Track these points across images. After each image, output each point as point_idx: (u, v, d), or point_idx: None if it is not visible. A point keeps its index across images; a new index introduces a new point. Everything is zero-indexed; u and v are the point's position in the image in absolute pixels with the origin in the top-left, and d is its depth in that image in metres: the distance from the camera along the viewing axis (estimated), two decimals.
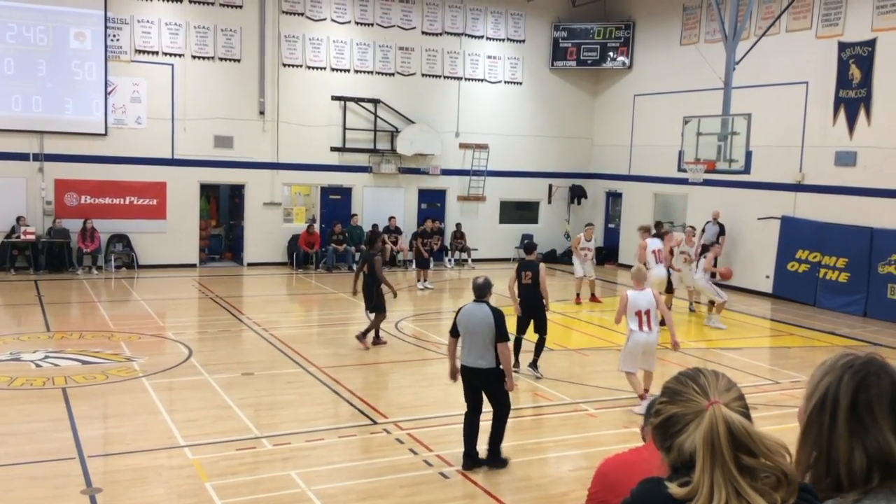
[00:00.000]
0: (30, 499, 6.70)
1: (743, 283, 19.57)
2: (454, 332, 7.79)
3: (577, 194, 24.80)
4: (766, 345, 15.00)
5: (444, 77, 23.00)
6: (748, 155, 17.38)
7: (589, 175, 24.97)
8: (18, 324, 13.79)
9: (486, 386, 7.60)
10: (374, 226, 20.15)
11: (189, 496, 6.86)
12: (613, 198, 24.64)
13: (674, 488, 1.80)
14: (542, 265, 11.19)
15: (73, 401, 9.30)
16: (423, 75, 22.72)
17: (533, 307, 11.01)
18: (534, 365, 11.04)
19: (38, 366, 10.77)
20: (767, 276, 19.23)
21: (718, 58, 18.64)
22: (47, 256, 18.90)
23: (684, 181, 20.07)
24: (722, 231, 19.35)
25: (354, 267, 21.07)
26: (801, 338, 14.81)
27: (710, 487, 1.76)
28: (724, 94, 17.83)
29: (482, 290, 7.93)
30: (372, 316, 12.58)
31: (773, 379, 11.65)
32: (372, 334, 12.60)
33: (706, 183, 19.44)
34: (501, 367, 7.54)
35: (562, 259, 24.23)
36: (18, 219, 18.64)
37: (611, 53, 23.76)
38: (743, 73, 17.93)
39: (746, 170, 17.58)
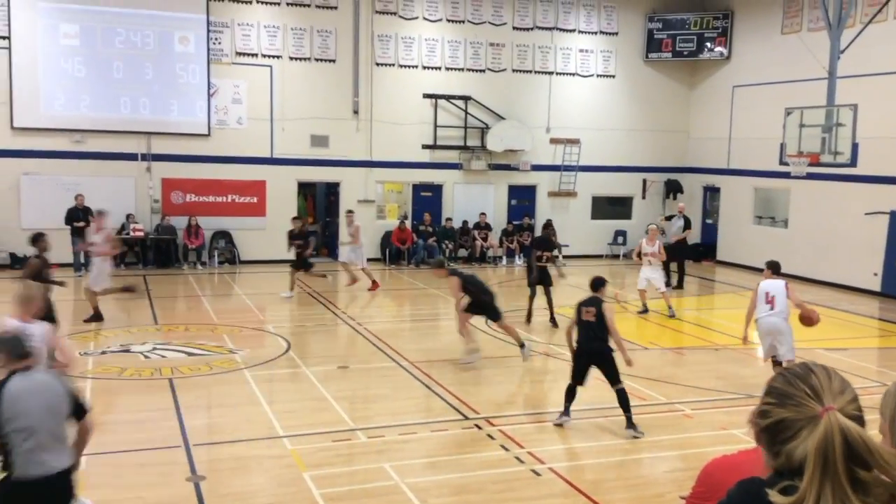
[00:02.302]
0: (138, 485, 7.04)
1: (849, 282, 18.76)
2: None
3: (672, 189, 24.26)
4: (874, 345, 14.34)
5: (535, 72, 22.89)
6: (854, 147, 16.64)
7: (685, 169, 24.39)
8: (128, 317, 14.50)
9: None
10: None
11: (288, 485, 7.08)
12: (711, 192, 23.99)
13: (775, 496, 1.72)
14: (609, 306, 8.88)
15: (178, 391, 9.73)
16: (513, 71, 22.67)
17: (595, 351, 8.69)
18: (630, 425, 8.58)
19: (146, 357, 11.32)
20: (875, 274, 18.36)
21: (822, 46, 17.89)
22: (155, 252, 19.80)
23: (786, 175, 19.37)
24: (687, 225, 18.65)
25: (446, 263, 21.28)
26: None
27: (816, 500, 1.66)
28: (829, 84, 17.11)
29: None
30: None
31: (881, 381, 11.13)
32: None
33: (809, 177, 18.71)
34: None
35: None
36: (128, 216, 19.58)
37: (708, 44, 23.12)
38: (848, 62, 17.16)
39: (853, 163, 16.84)
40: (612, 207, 24.22)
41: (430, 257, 21.47)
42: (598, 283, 9.17)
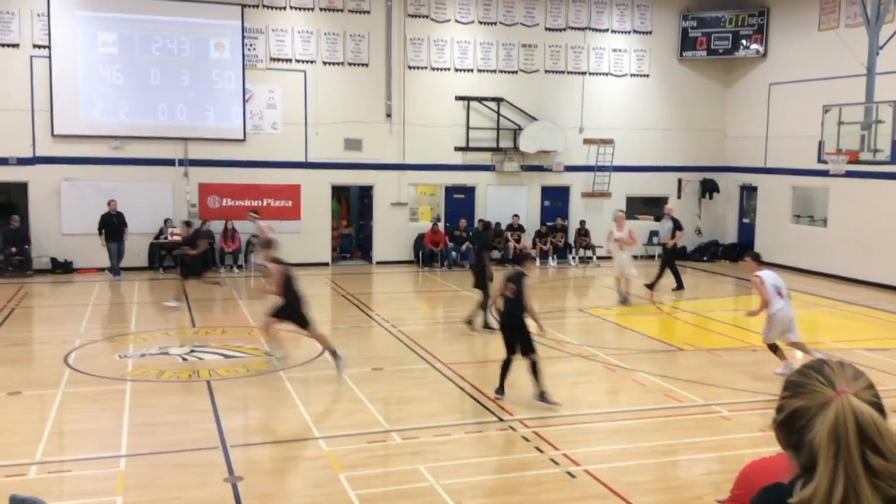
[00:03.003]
0: (176, 486, 7.14)
1: (889, 281, 18.40)
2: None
3: (708, 188, 24.00)
4: None
5: (568, 73, 22.80)
6: (894, 144, 16.34)
7: (721, 168, 24.12)
8: (166, 320, 14.72)
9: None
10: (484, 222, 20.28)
11: (323, 486, 7.13)
12: (748, 192, 23.68)
13: (794, 498, 1.69)
14: (529, 282, 9.47)
15: (216, 393, 9.85)
16: (546, 72, 22.60)
17: (511, 323, 9.47)
18: (541, 397, 9.38)
19: (184, 359, 11.48)
20: None
21: (860, 43, 17.59)
22: (192, 256, 20.02)
23: (825, 173, 19.09)
24: (677, 227, 18.08)
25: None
26: None
27: (829, 483, 1.63)
28: (867, 80, 16.83)
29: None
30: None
31: None
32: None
33: (849, 175, 18.41)
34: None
35: (692, 256, 23.54)
36: (166, 221, 19.88)
37: (743, 42, 22.84)
38: (887, 58, 16.85)
39: (893, 160, 16.53)
40: (647, 208, 24.02)
41: (463, 259, 21.51)
42: (521, 258, 9.90)
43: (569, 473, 7.44)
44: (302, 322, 10.90)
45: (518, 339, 9.45)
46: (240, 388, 10.28)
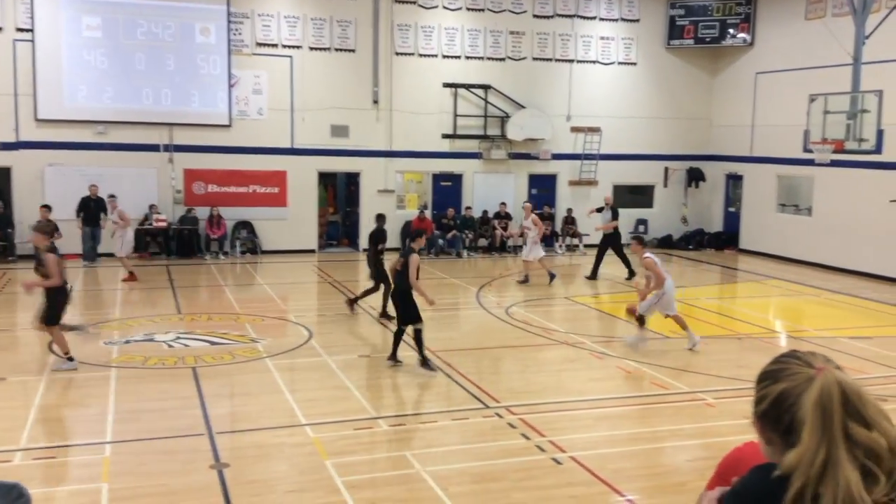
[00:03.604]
0: (162, 472, 7.12)
1: (873, 270, 18.55)
2: None
3: (694, 177, 24.08)
4: None
5: (556, 60, 22.77)
6: (879, 134, 16.44)
7: (707, 157, 24.20)
8: (152, 306, 14.65)
9: None
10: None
11: (310, 473, 7.13)
12: (734, 180, 23.78)
13: (781, 466, 1.74)
14: (414, 256, 10.47)
15: (202, 380, 9.82)
16: (533, 59, 22.56)
17: (396, 295, 10.62)
18: (423, 364, 10.32)
19: (170, 346, 11.43)
20: None
21: (846, 32, 17.65)
22: (178, 243, 19.96)
23: (810, 162, 19.20)
24: (614, 216, 18.41)
25: (465, 253, 21.30)
26: None
27: (814, 449, 1.68)
28: (853, 70, 16.90)
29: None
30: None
31: None
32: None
33: (834, 164, 18.51)
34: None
35: (678, 244, 23.64)
36: (151, 207, 19.75)
37: (730, 30, 22.88)
38: (873, 48, 16.93)
39: (878, 149, 16.63)
40: (633, 196, 24.09)
41: (450, 247, 21.50)
42: (412, 235, 11.06)
43: (555, 460, 7.48)
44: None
45: (399, 309, 10.44)
46: (225, 374, 10.25)
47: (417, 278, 10.38)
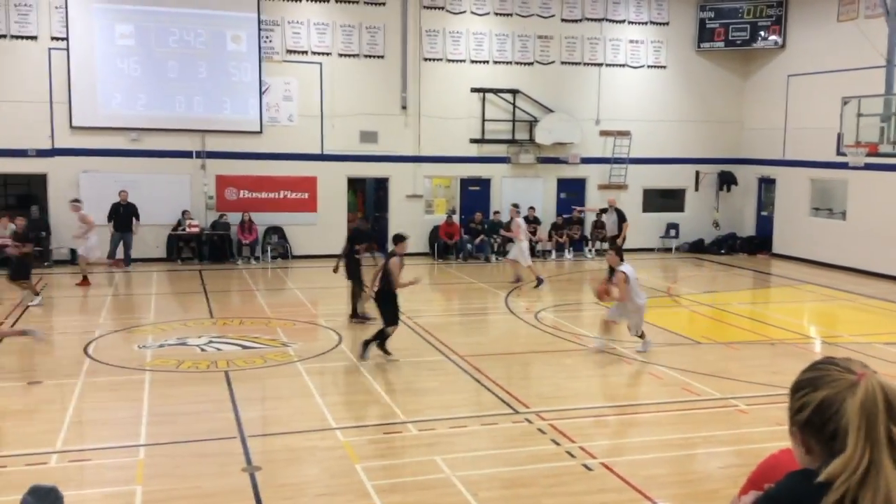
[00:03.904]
0: (195, 475, 7.20)
1: None
2: None
3: (726, 181, 23.86)
4: None
5: (584, 64, 22.69)
6: None
7: (739, 160, 23.95)
8: (185, 311, 14.82)
9: None
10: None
11: (340, 476, 7.17)
12: (766, 184, 23.52)
13: (823, 474, 1.73)
14: (393, 259, 11.01)
15: (234, 383, 9.92)
16: (562, 63, 22.51)
17: (377, 298, 11.19)
18: (381, 348, 11.10)
19: (202, 350, 11.56)
20: None
21: (880, 34, 17.41)
22: (210, 248, 20.19)
23: (844, 165, 18.94)
24: (621, 218, 18.14)
25: (493, 258, 21.29)
26: None
27: (859, 455, 1.68)
28: (887, 72, 16.65)
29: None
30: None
31: None
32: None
33: (868, 167, 18.24)
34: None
35: (710, 249, 23.43)
36: (184, 213, 20.00)
37: (762, 33, 22.65)
38: None
39: None
40: (663, 200, 23.92)
41: (479, 252, 21.50)
42: (394, 239, 11.42)
43: (585, 466, 7.45)
44: None
45: (380, 310, 10.99)
46: (257, 378, 10.34)
47: (400, 279, 10.82)
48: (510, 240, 18.28)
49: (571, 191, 23.11)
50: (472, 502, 6.64)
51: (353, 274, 13.59)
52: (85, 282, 16.81)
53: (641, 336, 11.66)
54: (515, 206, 18.87)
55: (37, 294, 14.88)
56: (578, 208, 21.99)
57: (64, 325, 13.80)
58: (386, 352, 11.07)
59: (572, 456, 7.70)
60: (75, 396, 9.45)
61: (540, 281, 17.18)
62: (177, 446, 7.94)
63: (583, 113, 22.59)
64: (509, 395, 9.58)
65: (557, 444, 8.02)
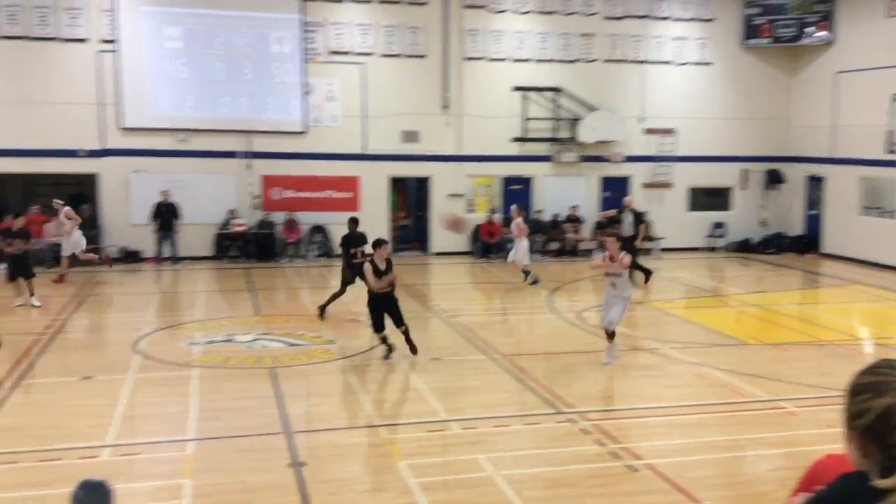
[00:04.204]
0: (241, 470, 7.30)
1: None
2: None
3: (773, 179, 23.43)
4: None
5: (628, 62, 22.47)
6: None
7: (786, 158, 23.50)
8: (232, 308, 15.04)
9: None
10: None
11: (384, 473, 7.22)
12: (815, 182, 23.04)
13: (882, 481, 1.69)
14: (366, 265, 11.10)
15: (280, 380, 10.04)
16: (605, 61, 22.31)
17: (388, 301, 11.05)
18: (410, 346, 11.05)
19: (249, 346, 11.72)
20: None
21: None
22: (256, 246, 20.46)
23: (895, 164, 18.49)
24: (639, 219, 17.59)
25: (535, 257, 21.18)
26: None
27: None
28: None
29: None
30: None
31: None
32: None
33: None
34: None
35: (757, 248, 23.04)
36: (230, 212, 20.29)
37: (809, 29, 22.19)
38: None
39: None
40: (709, 199, 23.57)
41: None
42: (374, 244, 11.19)
43: (630, 467, 7.39)
44: None
45: (392, 312, 10.95)
46: (302, 375, 10.45)
47: (373, 283, 10.82)
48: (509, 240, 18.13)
49: (615, 189, 22.89)
50: (516, 501, 6.62)
51: (344, 277, 13.60)
52: (60, 279, 16.70)
53: (612, 337, 10.86)
54: (516, 206, 18.36)
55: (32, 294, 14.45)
56: (602, 213, 21.60)
57: (114, 321, 14.09)
58: (389, 349, 11.04)
59: (617, 457, 7.64)
60: (126, 392, 9.65)
61: (530, 278, 17.10)
62: (224, 441, 8.06)
63: (626, 111, 22.37)
64: (552, 395, 9.54)
65: (602, 444, 7.97)
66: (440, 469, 7.42)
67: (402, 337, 10.99)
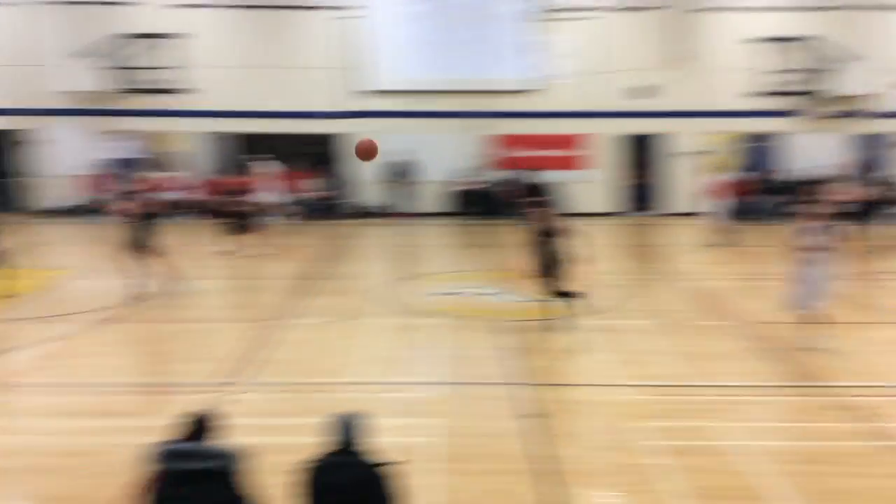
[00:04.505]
0: (474, 415, 7.57)
1: None
2: None
3: None
4: None
5: (892, 9, 20.15)
6: None
7: None
8: (468, 262, 15.54)
9: None
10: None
11: (616, 433, 7.15)
12: None
13: None
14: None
15: (521, 333, 10.25)
16: (860, 9, 20.14)
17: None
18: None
19: (488, 300, 12.09)
20: None
21: None
22: (490, 204, 20.92)
23: None
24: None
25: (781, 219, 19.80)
26: None
27: None
28: None
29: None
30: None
31: None
32: None
33: None
34: None
35: None
36: (466, 170, 20.91)
37: None
38: None
39: None
40: None
41: (775, 212, 20.09)
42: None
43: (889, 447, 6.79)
44: None
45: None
46: (541, 330, 10.57)
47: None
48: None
49: (871, 147, 20.74)
50: (759, 473, 6.33)
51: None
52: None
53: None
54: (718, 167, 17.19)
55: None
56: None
57: (362, 271, 15.09)
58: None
59: (881, 437, 7.04)
60: (375, 335, 10.31)
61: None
62: (464, 387, 8.39)
63: (887, 61, 20.11)
64: (806, 366, 8.95)
65: (865, 421, 7.37)
66: (678, 434, 7.15)
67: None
